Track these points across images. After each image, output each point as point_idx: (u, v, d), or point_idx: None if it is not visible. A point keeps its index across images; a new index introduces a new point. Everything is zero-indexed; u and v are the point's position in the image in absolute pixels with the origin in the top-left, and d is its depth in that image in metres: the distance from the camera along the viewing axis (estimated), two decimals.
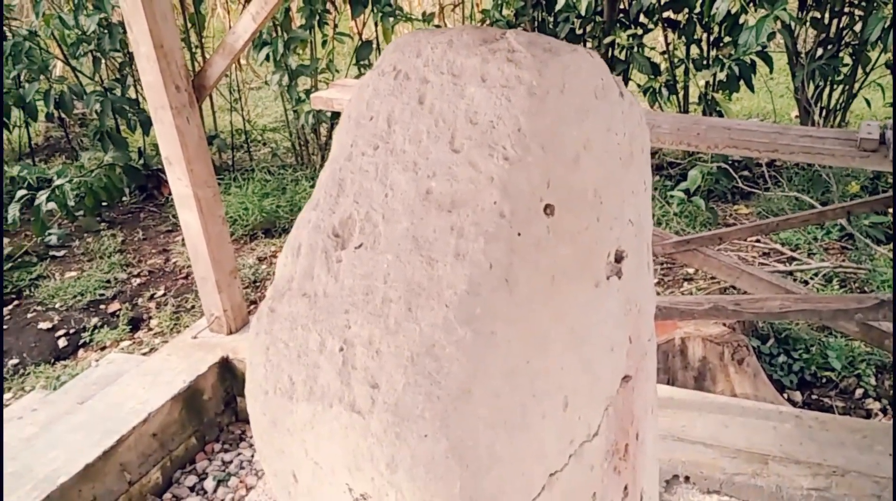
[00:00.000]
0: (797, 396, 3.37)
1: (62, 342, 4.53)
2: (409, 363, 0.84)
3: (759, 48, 4.99)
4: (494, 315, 0.90)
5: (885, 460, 2.37)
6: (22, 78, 5.60)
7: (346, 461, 0.86)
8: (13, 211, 4.83)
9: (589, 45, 5.48)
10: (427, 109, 1.04)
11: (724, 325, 3.35)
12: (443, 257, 0.91)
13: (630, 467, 1.34)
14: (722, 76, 5.07)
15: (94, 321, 4.70)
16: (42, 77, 5.56)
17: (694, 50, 5.45)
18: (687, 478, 2.55)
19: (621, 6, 5.26)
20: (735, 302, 2.23)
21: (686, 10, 5.07)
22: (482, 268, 0.89)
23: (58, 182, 4.77)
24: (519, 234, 0.94)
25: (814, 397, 3.37)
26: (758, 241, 4.80)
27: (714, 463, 2.51)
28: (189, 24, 5.90)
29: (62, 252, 5.53)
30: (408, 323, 0.86)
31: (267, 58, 5.32)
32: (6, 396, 3.99)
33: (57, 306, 4.87)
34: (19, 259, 5.32)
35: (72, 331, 4.61)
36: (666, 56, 5.36)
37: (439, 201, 0.95)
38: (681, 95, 5.54)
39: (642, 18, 5.36)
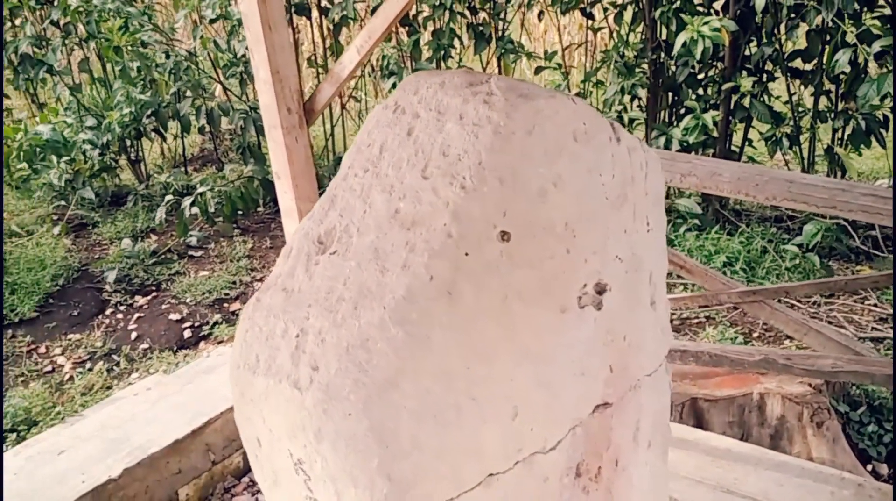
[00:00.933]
0: (884, 468, 3.19)
1: (187, 334, 5.00)
2: (345, 353, 0.99)
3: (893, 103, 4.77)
4: (431, 321, 1.03)
5: None
6: (180, 94, 6.24)
7: (287, 429, 1.02)
8: (160, 213, 5.40)
9: (709, 90, 5.42)
10: (412, 140, 1.20)
11: (810, 385, 3.24)
12: (393, 267, 1.06)
13: (603, 490, 1.42)
14: (848, 130, 4.88)
15: (217, 317, 5.14)
16: (196, 94, 6.17)
17: (823, 102, 5.26)
18: None
19: (746, 53, 5.17)
20: (786, 357, 2.20)
21: (816, 59, 4.93)
22: (422, 279, 1.03)
23: (200, 190, 5.30)
24: (466, 254, 1.08)
25: None
26: (874, 305, 4.56)
27: None
28: (329, 53, 6.38)
29: (199, 253, 6.08)
30: (351, 319, 1.02)
31: (394, 86, 5.66)
32: (134, 375, 4.46)
33: (187, 300, 5.37)
34: (162, 256, 5.91)
35: (196, 324, 5.07)
36: (790, 106, 5.21)
37: (403, 219, 1.11)
38: (805, 146, 5.35)
39: (769, 66, 5.25)
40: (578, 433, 1.33)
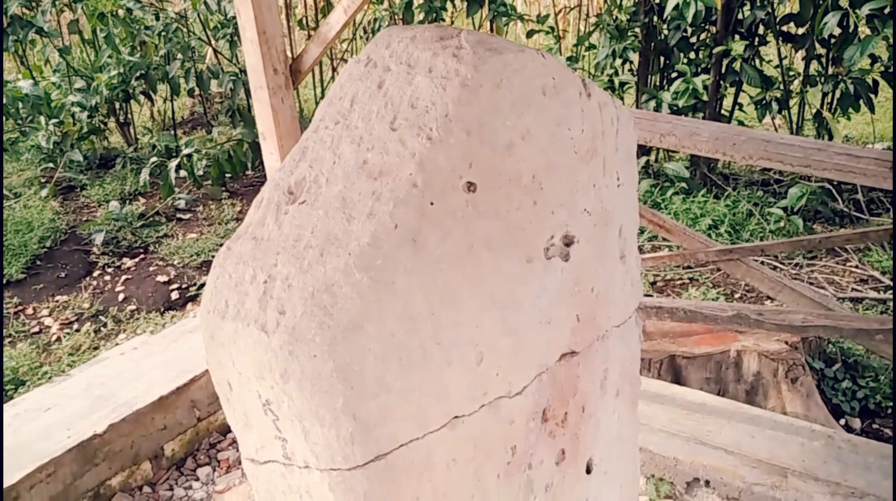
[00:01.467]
0: (856, 423, 3.27)
1: (174, 295, 5.03)
2: (310, 297, 1.02)
3: (883, 68, 4.78)
4: (396, 267, 1.06)
5: None
6: (169, 56, 6.19)
7: (255, 371, 1.06)
8: (145, 174, 5.39)
9: (700, 54, 5.42)
10: (382, 93, 1.22)
11: (787, 343, 3.30)
12: (359, 216, 1.08)
13: (570, 435, 1.46)
14: (837, 94, 4.89)
15: (204, 278, 5.17)
16: (186, 56, 6.12)
17: (814, 66, 5.27)
18: (707, 482, 2.58)
19: (738, 16, 5.16)
20: (758, 312, 2.25)
21: (808, 23, 4.92)
22: (387, 227, 1.06)
23: (186, 152, 5.28)
24: (431, 203, 1.10)
25: (874, 426, 3.25)
26: (856, 267, 4.62)
27: (734, 471, 2.53)
28: (321, 15, 6.33)
29: (188, 216, 6.09)
30: (317, 265, 1.05)
31: None
32: (121, 336, 4.50)
33: (175, 262, 5.39)
34: (151, 219, 5.92)
35: (184, 286, 5.10)
36: (780, 70, 5.22)
37: (370, 170, 1.13)
38: (794, 111, 5.37)
39: (760, 30, 5.24)
40: (545, 379, 1.37)
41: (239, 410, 1.16)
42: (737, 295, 4.31)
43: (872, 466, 2.42)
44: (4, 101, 5.81)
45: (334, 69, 7.31)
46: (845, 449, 2.51)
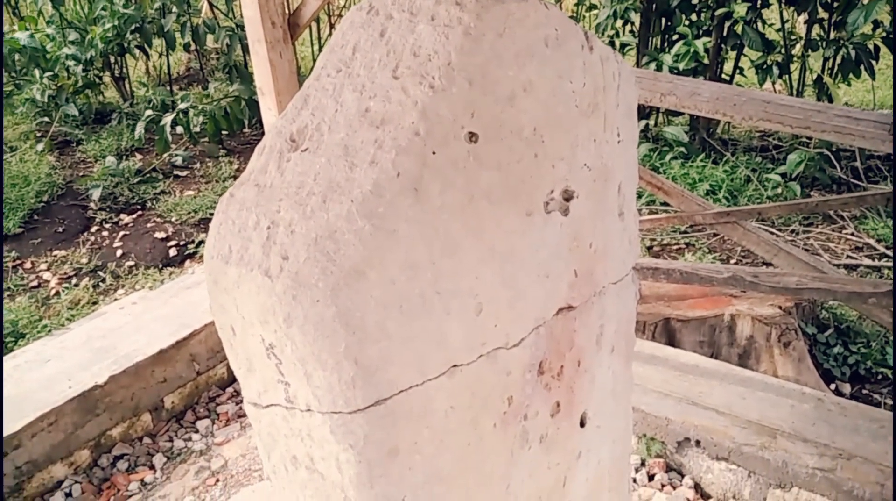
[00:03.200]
0: (847, 388, 3.31)
1: (172, 252, 5.04)
2: (313, 243, 1.03)
3: (885, 34, 4.75)
4: (397, 215, 1.07)
5: None
6: (164, 9, 6.10)
7: (259, 315, 1.07)
8: (139, 129, 5.35)
9: (702, 16, 5.37)
10: (385, 41, 1.21)
11: (780, 308, 3.33)
12: (361, 163, 1.09)
13: (565, 388, 1.49)
14: (838, 60, 4.86)
15: (202, 236, 5.17)
16: (181, 9, 6.04)
17: (816, 30, 5.22)
18: (698, 442, 2.63)
19: None
20: (754, 274, 2.27)
21: None
22: (389, 175, 1.07)
23: (181, 106, 5.25)
24: (434, 152, 1.11)
25: (864, 391, 3.30)
26: (852, 234, 4.64)
27: (725, 431, 2.57)
28: None
29: (185, 173, 6.07)
30: (320, 212, 1.06)
31: None
32: (119, 291, 4.52)
33: (173, 219, 5.39)
34: (148, 175, 5.90)
35: (182, 243, 5.11)
36: (782, 34, 5.18)
37: (372, 118, 1.13)
38: (795, 76, 5.34)
39: None
40: (542, 332, 1.39)
41: (242, 355, 1.17)
42: (732, 260, 4.33)
43: (861, 428, 2.46)
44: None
45: (332, 25, 7.23)
46: (834, 412, 2.55)
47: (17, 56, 6.04)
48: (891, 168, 5.07)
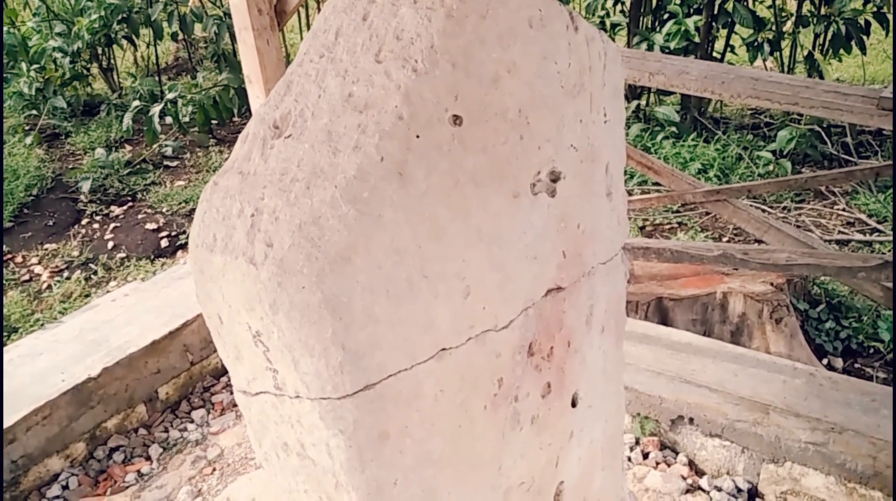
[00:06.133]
0: (839, 362, 3.33)
1: (164, 243, 5.02)
2: (297, 229, 1.03)
3: (875, 8, 4.73)
4: (382, 200, 1.07)
5: (887, 423, 2.38)
6: None
7: (245, 303, 1.07)
8: (127, 119, 5.32)
9: None
10: (367, 25, 1.20)
11: (772, 285, 3.35)
12: (345, 149, 1.08)
13: (556, 368, 1.49)
14: (829, 36, 4.85)
15: None
16: None
17: (807, 6, 5.21)
18: (691, 420, 2.64)
19: None
20: (744, 251, 2.27)
21: None
22: (373, 159, 1.06)
23: (170, 96, 5.21)
24: (417, 136, 1.10)
25: (856, 366, 3.32)
26: (843, 210, 4.65)
27: (717, 408, 2.58)
28: None
29: (175, 163, 6.04)
30: (304, 198, 1.05)
31: None
32: (112, 284, 4.51)
33: (164, 210, 5.37)
34: (137, 166, 5.87)
35: (173, 234, 5.10)
36: (773, 11, 5.16)
37: (356, 103, 1.12)
38: (786, 53, 5.33)
39: None
40: (531, 314, 1.39)
41: (230, 343, 1.17)
42: (725, 238, 4.34)
43: (853, 402, 2.48)
44: None
45: (319, 11, 7.18)
46: (826, 386, 2.57)
47: None
48: (881, 143, 5.07)
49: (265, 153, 1.15)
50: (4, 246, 4.85)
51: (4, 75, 6.45)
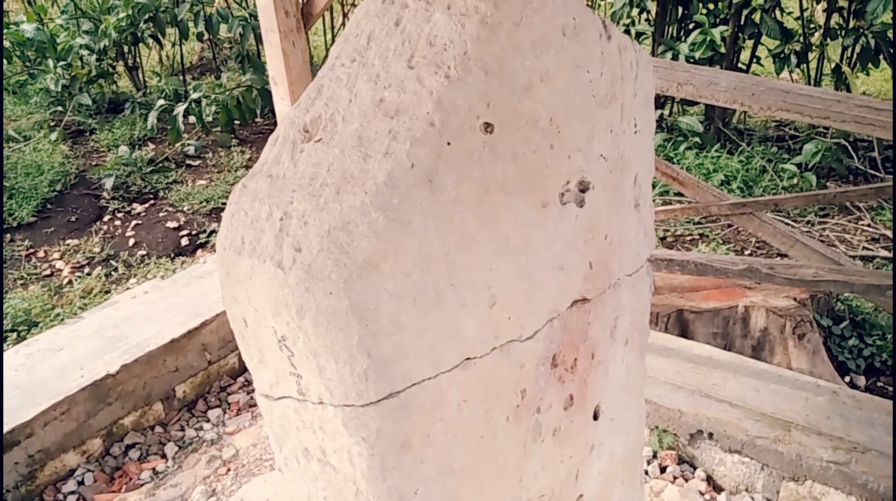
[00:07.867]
0: (861, 381, 3.28)
1: (184, 241, 5.05)
2: (326, 235, 1.02)
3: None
4: (412, 207, 1.06)
5: None
6: None
7: (271, 307, 1.06)
8: (152, 118, 5.36)
9: (719, 4, 5.31)
10: (400, 30, 1.20)
11: (795, 299, 3.30)
12: (375, 155, 1.07)
13: (579, 380, 1.47)
14: (857, 49, 4.80)
15: (214, 225, 5.18)
16: None
17: (835, 18, 5.16)
18: (711, 435, 2.61)
19: None
20: (770, 266, 2.24)
21: None
22: (404, 166, 1.05)
23: (194, 96, 5.24)
24: (448, 143, 1.09)
25: (879, 384, 3.27)
26: (868, 226, 4.59)
27: (738, 424, 2.55)
28: None
29: (197, 162, 6.07)
30: (333, 203, 1.04)
31: None
32: (132, 281, 4.53)
33: (185, 209, 5.40)
34: (160, 164, 5.90)
35: (194, 232, 5.12)
36: (801, 22, 5.11)
37: (387, 108, 1.12)
38: (813, 65, 5.27)
39: None
40: (556, 325, 1.37)
41: (254, 346, 1.17)
42: (747, 252, 4.30)
43: (875, 421, 2.44)
44: (9, 44, 5.75)
45: (345, 15, 7.20)
46: (849, 405, 2.53)
47: (23, 48, 6.05)
48: None
49: (295, 157, 1.15)
50: (27, 241, 4.89)
51: (32, 71, 6.52)
